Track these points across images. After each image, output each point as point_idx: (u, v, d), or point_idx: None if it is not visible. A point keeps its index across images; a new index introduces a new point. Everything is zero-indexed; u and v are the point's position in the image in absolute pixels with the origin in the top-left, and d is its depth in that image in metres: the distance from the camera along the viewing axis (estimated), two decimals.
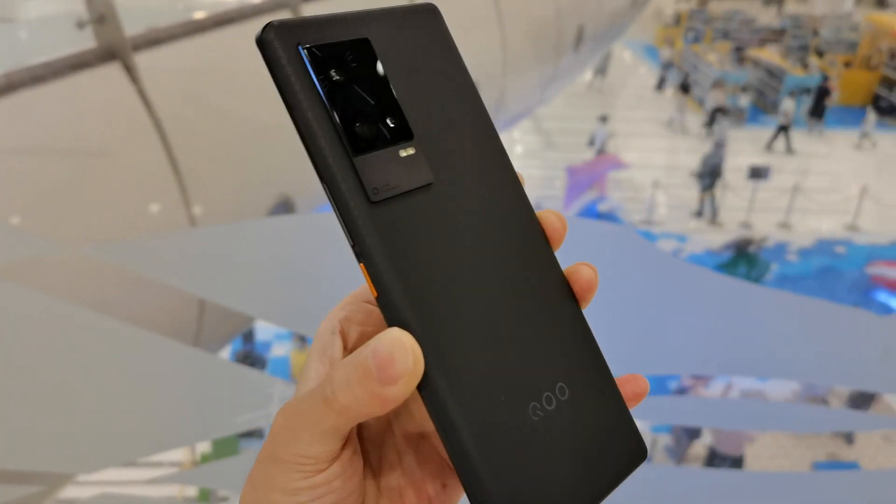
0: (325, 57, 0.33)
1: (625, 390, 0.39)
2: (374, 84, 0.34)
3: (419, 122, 0.35)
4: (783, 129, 9.51)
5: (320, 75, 0.32)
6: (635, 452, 0.37)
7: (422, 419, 0.40)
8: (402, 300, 0.32)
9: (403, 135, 0.34)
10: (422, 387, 0.32)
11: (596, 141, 9.12)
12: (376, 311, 0.39)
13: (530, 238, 0.38)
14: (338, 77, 0.33)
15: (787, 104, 9.59)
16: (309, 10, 3.20)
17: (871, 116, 9.82)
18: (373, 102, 0.34)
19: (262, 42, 0.32)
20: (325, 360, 0.37)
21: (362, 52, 0.34)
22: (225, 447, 3.23)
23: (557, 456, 0.34)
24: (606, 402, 0.37)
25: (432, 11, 0.39)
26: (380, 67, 0.34)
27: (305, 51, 0.32)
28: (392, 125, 0.34)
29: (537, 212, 0.39)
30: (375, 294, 0.32)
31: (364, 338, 0.39)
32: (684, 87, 10.78)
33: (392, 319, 0.32)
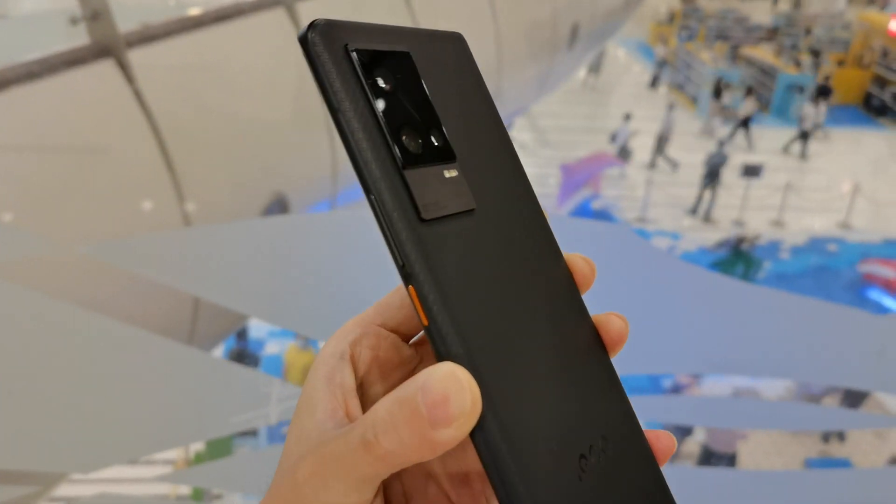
0: (372, 62, 0.31)
1: (654, 447, 0.37)
2: (418, 99, 0.33)
3: (458, 144, 0.33)
4: (804, 134, 9.43)
5: (369, 80, 0.31)
6: None
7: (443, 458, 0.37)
8: (457, 331, 0.29)
9: (447, 155, 0.33)
10: (475, 429, 0.29)
11: (618, 138, 9.10)
12: (391, 336, 0.36)
13: (562, 279, 0.37)
14: (384, 85, 0.31)
15: (808, 109, 9.54)
16: (304, 9, 3.19)
17: (822, 107, 9.75)
18: (418, 117, 0.32)
19: (307, 39, 0.30)
20: (333, 387, 0.34)
21: (406, 64, 0.33)
22: (219, 447, 3.22)
23: None
24: (644, 461, 0.36)
25: (461, 40, 0.38)
26: (423, 83, 0.33)
27: (355, 52, 0.31)
28: (437, 143, 0.32)
29: (566, 254, 0.38)
30: (426, 322, 0.29)
31: (378, 363, 0.36)
32: (717, 93, 10.52)
33: (444, 352, 0.29)
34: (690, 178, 8.53)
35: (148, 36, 2.65)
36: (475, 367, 0.29)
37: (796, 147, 9.53)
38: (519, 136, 10.00)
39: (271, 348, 5.55)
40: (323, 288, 1.97)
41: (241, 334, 5.06)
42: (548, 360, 0.33)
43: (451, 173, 0.32)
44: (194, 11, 2.90)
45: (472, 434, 0.29)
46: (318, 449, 0.31)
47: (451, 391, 0.27)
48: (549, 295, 0.35)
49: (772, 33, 13.19)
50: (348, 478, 0.29)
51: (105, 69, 2.48)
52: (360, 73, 0.30)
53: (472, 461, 0.37)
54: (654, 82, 12.26)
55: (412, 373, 0.37)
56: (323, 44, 0.30)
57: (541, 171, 8.93)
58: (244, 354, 5.10)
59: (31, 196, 2.26)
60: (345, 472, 0.29)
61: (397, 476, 0.36)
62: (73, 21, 2.53)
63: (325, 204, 3.61)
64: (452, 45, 0.37)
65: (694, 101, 11.11)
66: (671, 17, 14.31)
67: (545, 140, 9.99)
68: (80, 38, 2.49)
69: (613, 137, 9.21)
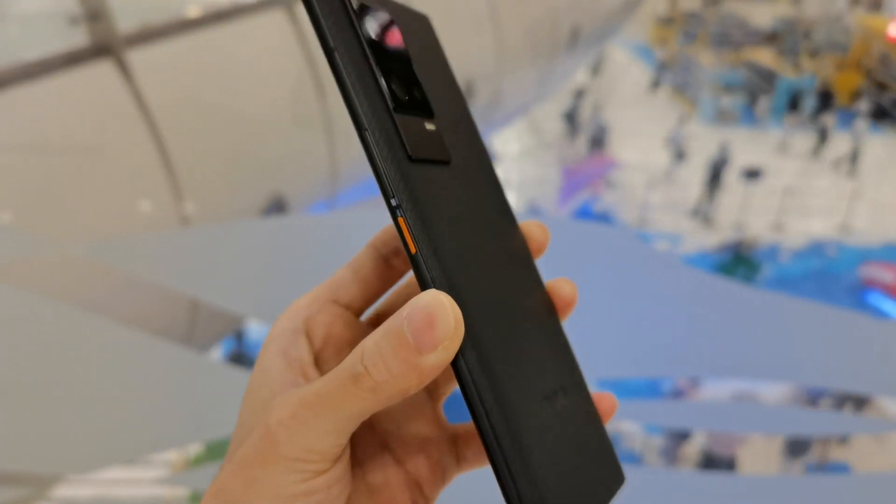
0: (364, 13, 0.33)
1: (599, 407, 0.38)
2: (401, 56, 0.35)
3: (435, 105, 0.36)
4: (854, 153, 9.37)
5: (363, 27, 0.33)
6: (617, 476, 0.37)
7: (399, 418, 0.38)
8: (441, 259, 0.31)
9: (427, 110, 0.35)
10: (457, 355, 0.30)
11: (674, 141, 9.07)
12: (344, 312, 0.37)
13: (519, 242, 0.39)
14: (375, 35, 0.33)
15: (860, 125, 9.50)
16: (304, 10, 3.18)
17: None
18: (403, 71, 0.34)
19: None
20: (290, 360, 0.34)
21: (390, 24, 0.35)
22: (218, 449, 3.22)
23: (571, 453, 0.34)
24: (594, 417, 0.37)
25: (428, 20, 0.41)
26: (405, 43, 0.35)
27: (353, 1, 0.33)
28: (419, 98, 0.34)
29: (521, 223, 0.40)
30: (414, 250, 0.31)
31: (332, 339, 0.36)
32: (794, 104, 10.29)
33: (429, 279, 0.31)
34: (690, 180, 8.53)
35: (147, 36, 2.65)
36: (457, 294, 0.31)
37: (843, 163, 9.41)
38: (519, 137, 10.01)
39: None
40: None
41: (240, 336, 5.06)
42: (516, 308, 0.35)
43: (430, 126, 0.34)
44: (194, 12, 2.89)
45: (454, 360, 0.30)
46: (298, 394, 0.30)
47: (436, 314, 0.28)
48: (512, 252, 0.37)
49: (771, 37, 13.20)
50: (334, 415, 0.29)
51: (104, 69, 2.47)
52: (354, 19, 0.32)
53: (429, 428, 0.38)
54: (655, 84, 12.27)
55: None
56: None
57: (541, 172, 8.93)
58: (243, 357, 5.09)
59: (30, 196, 2.26)
60: (331, 409, 0.29)
61: (352, 444, 0.36)
62: (73, 21, 2.52)
63: (323, 204, 3.61)
64: (423, 23, 0.39)
65: (694, 103, 11.12)
66: (671, 20, 14.33)
67: (546, 142, 9.99)
68: (79, 38, 2.49)
69: (671, 140, 9.18)
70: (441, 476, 0.38)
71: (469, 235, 0.34)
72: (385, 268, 0.38)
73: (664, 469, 4.12)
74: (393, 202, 0.31)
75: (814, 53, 12.42)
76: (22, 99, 2.28)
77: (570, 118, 9.23)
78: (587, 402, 0.37)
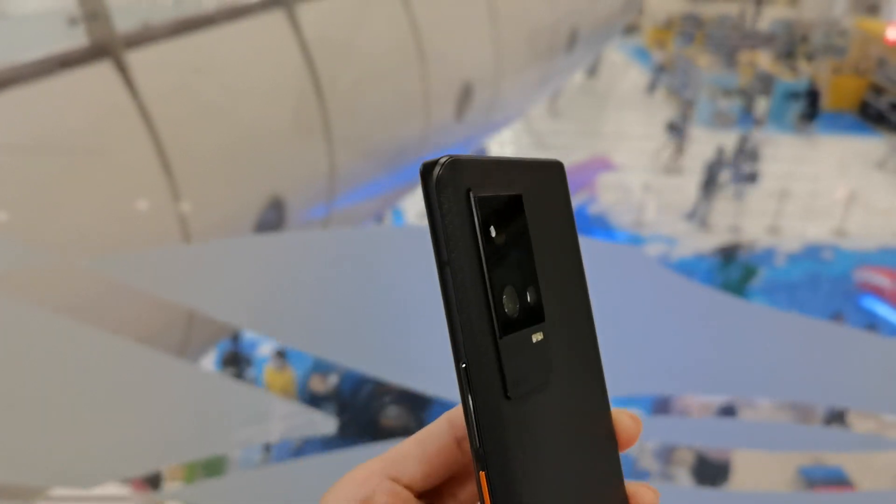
0: (488, 210, 0.29)
1: None
2: (522, 252, 0.31)
3: (548, 302, 0.32)
4: None
5: (484, 232, 0.29)
6: None
7: None
8: None
9: (538, 316, 0.31)
10: None
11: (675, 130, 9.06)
12: (403, 492, 0.34)
13: (609, 442, 0.36)
14: (497, 238, 0.29)
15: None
16: (305, 11, 3.17)
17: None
18: (519, 272, 0.30)
19: (432, 177, 0.28)
20: None
21: (516, 210, 0.31)
22: (212, 466, 3.20)
23: None
24: None
25: (560, 168, 0.36)
26: (529, 232, 0.31)
27: (476, 200, 0.28)
28: (531, 303, 0.31)
29: (613, 409, 0.36)
30: None
31: None
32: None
33: None
34: (686, 184, 8.54)
35: (147, 37, 2.64)
36: None
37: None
38: (516, 139, 10.01)
39: (265, 350, 5.54)
40: (317, 300, 1.97)
41: (235, 337, 5.05)
42: None
43: (538, 336, 0.31)
44: (193, 13, 2.88)
45: None
46: None
47: None
48: (600, 463, 0.34)
49: (769, 40, 13.22)
50: None
51: (103, 70, 2.46)
52: (477, 227, 0.28)
53: None
54: (652, 87, 12.27)
55: None
56: (449, 185, 0.28)
57: None
58: (238, 357, 5.08)
59: (28, 197, 2.25)
60: None
61: None
62: (72, 21, 2.51)
63: (321, 207, 3.60)
64: (554, 175, 0.35)
65: (691, 106, 11.12)
66: (669, 23, 14.33)
67: (542, 143, 9.99)
68: (78, 38, 2.48)
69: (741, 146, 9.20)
70: None
71: (555, 474, 0.31)
72: (457, 451, 0.35)
73: (658, 483, 4.12)
74: (479, 448, 0.28)
75: (811, 57, 12.44)
76: (20, 99, 2.27)
77: (674, 128, 9.18)
78: None
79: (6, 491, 1.99)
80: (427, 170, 0.28)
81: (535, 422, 0.30)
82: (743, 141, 8.56)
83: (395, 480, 0.34)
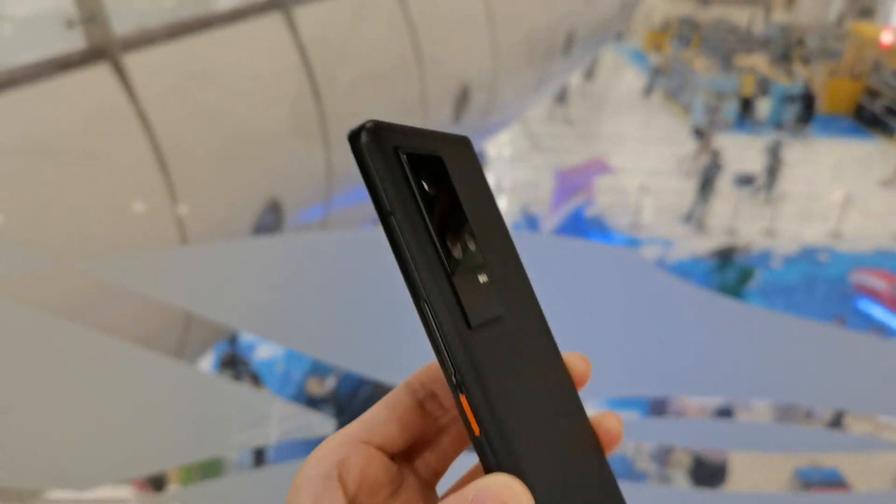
0: (418, 166, 0.31)
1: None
2: (453, 205, 0.33)
3: (485, 250, 0.34)
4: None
5: (418, 184, 0.31)
6: None
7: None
8: (508, 442, 0.30)
9: (480, 260, 0.33)
10: None
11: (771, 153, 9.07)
12: (377, 453, 0.36)
13: (565, 378, 0.38)
14: (429, 190, 0.31)
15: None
16: (301, 14, 3.18)
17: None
18: (454, 221, 0.33)
19: (360, 140, 0.30)
20: None
21: (440, 169, 0.33)
22: (209, 468, 3.20)
23: None
24: None
25: (469, 143, 0.38)
26: (455, 189, 0.34)
27: (405, 156, 0.31)
28: (472, 249, 0.33)
29: (563, 354, 0.39)
30: (478, 432, 0.30)
31: (366, 482, 0.35)
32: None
33: (495, 464, 0.30)
34: (682, 186, 8.56)
35: (144, 40, 2.64)
36: (527, 478, 0.30)
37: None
38: (513, 141, 10.02)
39: (262, 352, 5.54)
40: (315, 302, 1.97)
41: (233, 339, 5.05)
42: (577, 461, 0.34)
43: (483, 278, 0.33)
44: (191, 15, 2.89)
45: None
46: None
47: (507, 501, 0.27)
48: (562, 397, 0.36)
49: (764, 43, 13.26)
50: None
51: (100, 73, 2.47)
52: (410, 178, 0.31)
53: None
54: (648, 90, 12.30)
55: (399, 490, 0.37)
56: (375, 145, 0.30)
57: (534, 176, 8.94)
58: (236, 359, 5.08)
59: (25, 200, 2.25)
60: None
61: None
62: (69, 24, 2.51)
63: (318, 209, 3.60)
64: (464, 148, 0.37)
65: (687, 109, 11.15)
66: (665, 25, 14.36)
67: (539, 145, 10.00)
68: (75, 40, 2.48)
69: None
70: None
71: (528, 396, 0.33)
72: (419, 412, 0.38)
73: (655, 488, 4.13)
74: (454, 379, 0.30)
75: (806, 60, 12.48)
76: (17, 102, 2.27)
77: (699, 133, 9.19)
78: None
79: (2, 493, 1.99)
80: (355, 134, 0.30)
81: (499, 351, 0.32)
82: (776, 146, 8.58)
83: (368, 443, 0.36)
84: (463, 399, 0.30)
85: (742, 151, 9.60)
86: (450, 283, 0.30)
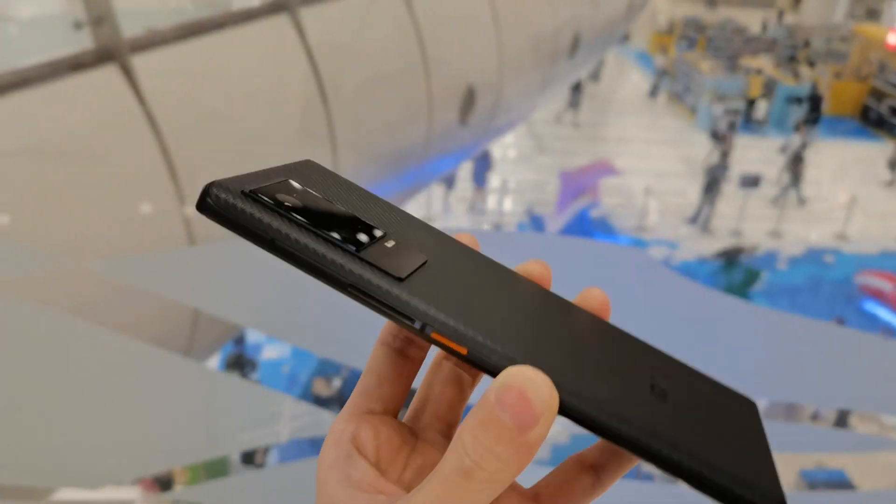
0: (271, 193, 0.33)
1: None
2: (322, 204, 0.35)
3: (379, 224, 0.36)
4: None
5: (280, 205, 0.33)
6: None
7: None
8: (495, 341, 0.31)
9: (378, 234, 0.35)
10: (561, 412, 0.30)
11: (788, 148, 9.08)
12: (384, 418, 0.37)
13: (529, 283, 0.39)
14: (292, 204, 0.33)
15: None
16: (308, 14, 3.19)
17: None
18: (334, 214, 0.34)
19: (209, 200, 0.32)
20: (356, 484, 0.33)
21: (293, 186, 0.35)
22: (215, 468, 3.21)
23: (727, 434, 0.34)
24: (708, 384, 0.38)
25: (312, 162, 0.41)
26: (315, 193, 0.36)
27: (254, 191, 0.33)
28: (361, 227, 0.34)
29: (519, 266, 0.40)
30: (464, 351, 0.31)
31: (383, 447, 0.36)
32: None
33: (495, 364, 0.31)
34: (687, 188, 8.56)
35: (152, 41, 2.65)
36: (531, 361, 0.31)
37: None
38: (518, 142, 10.02)
39: (269, 353, 5.56)
40: (322, 302, 1.98)
41: (239, 340, 5.06)
42: (571, 337, 0.36)
43: (391, 244, 0.34)
44: (199, 17, 2.90)
45: (564, 412, 0.31)
46: None
47: (527, 389, 0.28)
48: (533, 295, 0.38)
49: (770, 45, 13.24)
50: None
51: (108, 74, 2.48)
52: (270, 204, 0.32)
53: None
54: (654, 91, 12.29)
55: (416, 450, 0.37)
56: (225, 196, 0.32)
57: (539, 178, 8.94)
58: (242, 359, 5.09)
59: (33, 200, 2.26)
60: None
61: None
62: (77, 25, 2.52)
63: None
64: (310, 166, 0.40)
65: (693, 111, 11.13)
66: (671, 27, 14.35)
67: (544, 147, 10.01)
68: (83, 42, 2.49)
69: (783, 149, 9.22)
70: None
71: (494, 306, 0.34)
72: (403, 361, 0.39)
73: (663, 485, 4.11)
74: (417, 325, 0.31)
75: (811, 62, 12.46)
76: (26, 103, 2.28)
77: (717, 136, 9.20)
78: (690, 373, 0.38)
79: (13, 492, 2.00)
80: (201, 200, 0.32)
81: (443, 283, 0.34)
82: (802, 147, 8.59)
83: (371, 412, 0.37)
84: (434, 335, 0.31)
85: (746, 152, 9.59)
86: (359, 258, 0.32)
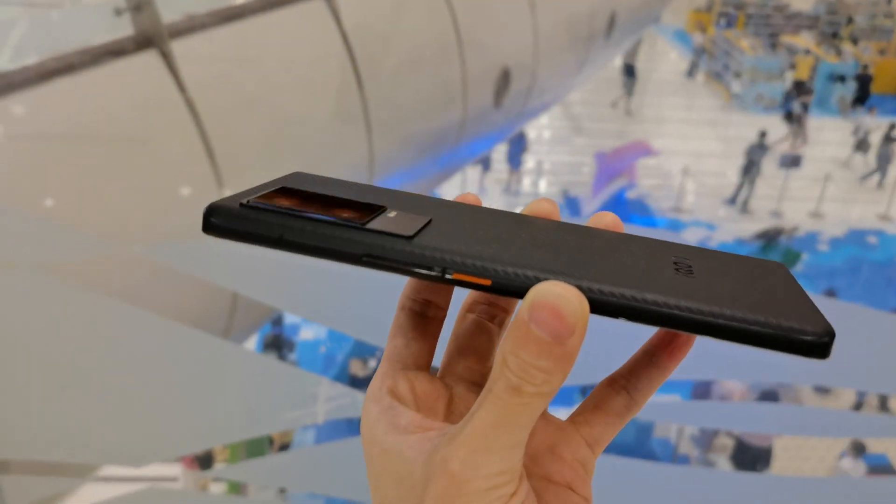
0: (269, 199, 0.35)
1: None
2: (318, 195, 0.37)
3: (378, 201, 0.37)
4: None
5: (279, 205, 0.34)
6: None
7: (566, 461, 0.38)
8: (517, 265, 0.32)
9: (376, 208, 0.36)
10: (594, 311, 0.31)
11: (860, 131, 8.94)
12: (418, 373, 0.38)
13: (541, 221, 0.40)
14: (290, 203, 0.35)
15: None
16: (343, 0, 3.19)
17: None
18: (333, 200, 0.36)
19: (213, 219, 0.34)
20: (403, 429, 0.35)
21: (288, 190, 0.37)
22: (254, 446, 3.26)
23: (765, 289, 0.35)
24: (729, 257, 0.39)
25: (300, 172, 0.43)
26: (312, 191, 0.37)
27: (253, 200, 0.34)
28: (363, 206, 0.36)
29: (525, 208, 0.41)
30: (489, 282, 0.32)
31: (421, 397, 0.37)
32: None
33: (521, 286, 0.31)
34: (725, 168, 8.44)
35: (191, 27, 2.68)
36: (553, 274, 0.32)
37: None
38: (553, 123, 9.95)
39: (306, 334, 5.61)
40: (358, 284, 1.99)
41: (277, 320, 5.12)
42: (588, 248, 0.37)
43: (392, 214, 0.36)
44: (236, 2, 2.92)
45: (597, 313, 0.31)
46: (457, 433, 0.31)
47: (558, 304, 0.29)
48: (541, 225, 0.39)
49: (812, 21, 12.95)
50: (511, 430, 0.30)
51: (148, 60, 2.51)
52: (269, 208, 0.34)
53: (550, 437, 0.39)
54: (692, 71, 12.10)
55: (452, 402, 0.39)
56: (226, 212, 0.34)
57: (575, 159, 8.89)
58: (280, 340, 5.15)
59: (74, 185, 2.30)
60: (506, 426, 0.30)
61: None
62: (118, 12, 2.56)
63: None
64: (301, 176, 0.41)
65: (731, 90, 10.96)
66: (710, 4, 14.10)
67: (580, 128, 9.93)
68: (123, 28, 2.52)
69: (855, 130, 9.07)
70: (584, 471, 0.39)
71: (507, 239, 0.36)
72: (425, 322, 0.40)
73: (698, 468, 4.10)
74: (436, 272, 0.32)
75: (855, 39, 12.17)
76: (68, 89, 2.32)
77: (791, 116, 9.10)
78: (712, 253, 0.39)
79: (58, 469, 2.05)
80: (205, 221, 0.34)
81: (452, 231, 0.35)
82: (891, 128, 8.41)
83: (406, 369, 0.38)
84: (456, 276, 0.32)
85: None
86: (366, 230, 0.33)
